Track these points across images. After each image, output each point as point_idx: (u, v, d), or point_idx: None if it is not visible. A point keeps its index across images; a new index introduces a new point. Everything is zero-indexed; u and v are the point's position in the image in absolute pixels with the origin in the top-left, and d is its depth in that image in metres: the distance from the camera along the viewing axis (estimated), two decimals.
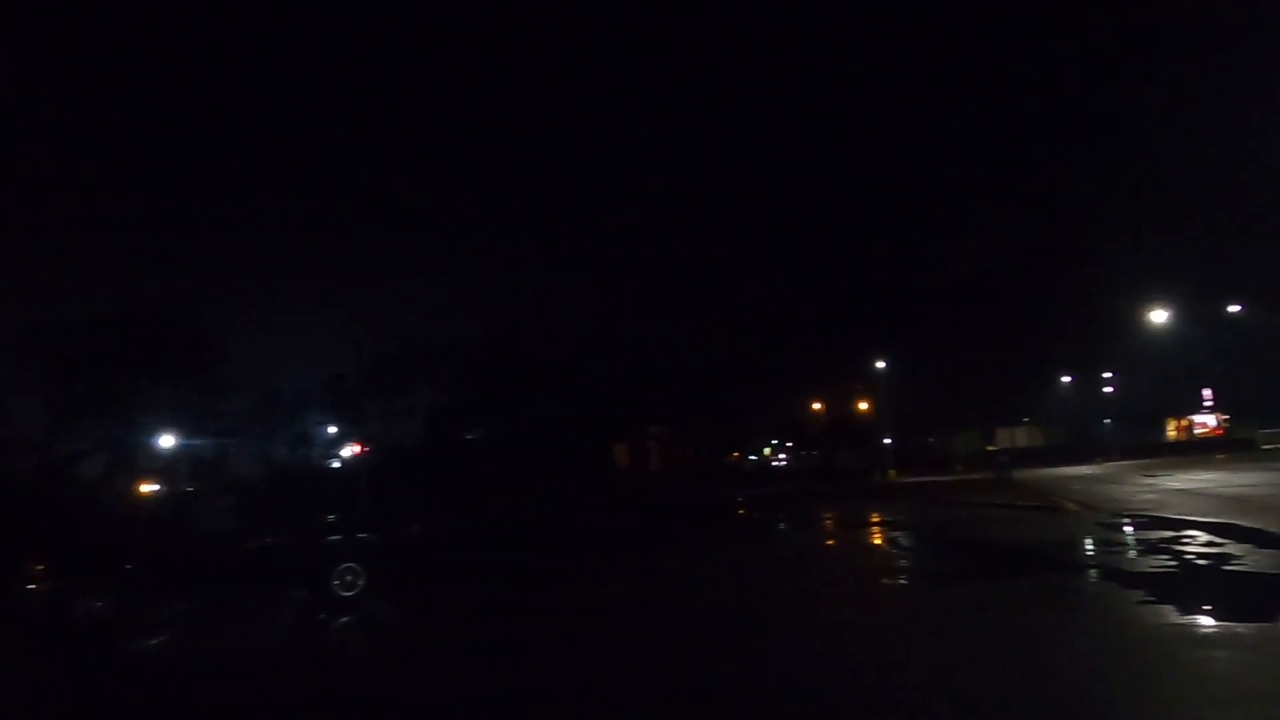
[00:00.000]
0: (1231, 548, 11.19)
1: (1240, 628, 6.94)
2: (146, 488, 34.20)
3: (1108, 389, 61.20)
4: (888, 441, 55.97)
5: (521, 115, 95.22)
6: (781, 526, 21.86)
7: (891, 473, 50.35)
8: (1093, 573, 10.48)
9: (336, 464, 39.45)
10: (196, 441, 36.15)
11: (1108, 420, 61.15)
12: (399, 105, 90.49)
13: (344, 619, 11.04)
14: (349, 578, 11.94)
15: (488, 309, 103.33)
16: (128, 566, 11.18)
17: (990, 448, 58.78)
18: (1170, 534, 13.17)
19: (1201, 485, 22.50)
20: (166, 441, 35.84)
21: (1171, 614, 7.55)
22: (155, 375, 38.04)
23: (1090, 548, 12.96)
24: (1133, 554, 11.92)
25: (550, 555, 17.87)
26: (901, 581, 11.49)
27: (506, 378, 45.42)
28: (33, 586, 10.60)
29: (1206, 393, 59.09)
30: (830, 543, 17.61)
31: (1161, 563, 10.58)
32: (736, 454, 76.43)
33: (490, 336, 47.23)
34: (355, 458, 38.94)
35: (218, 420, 39.27)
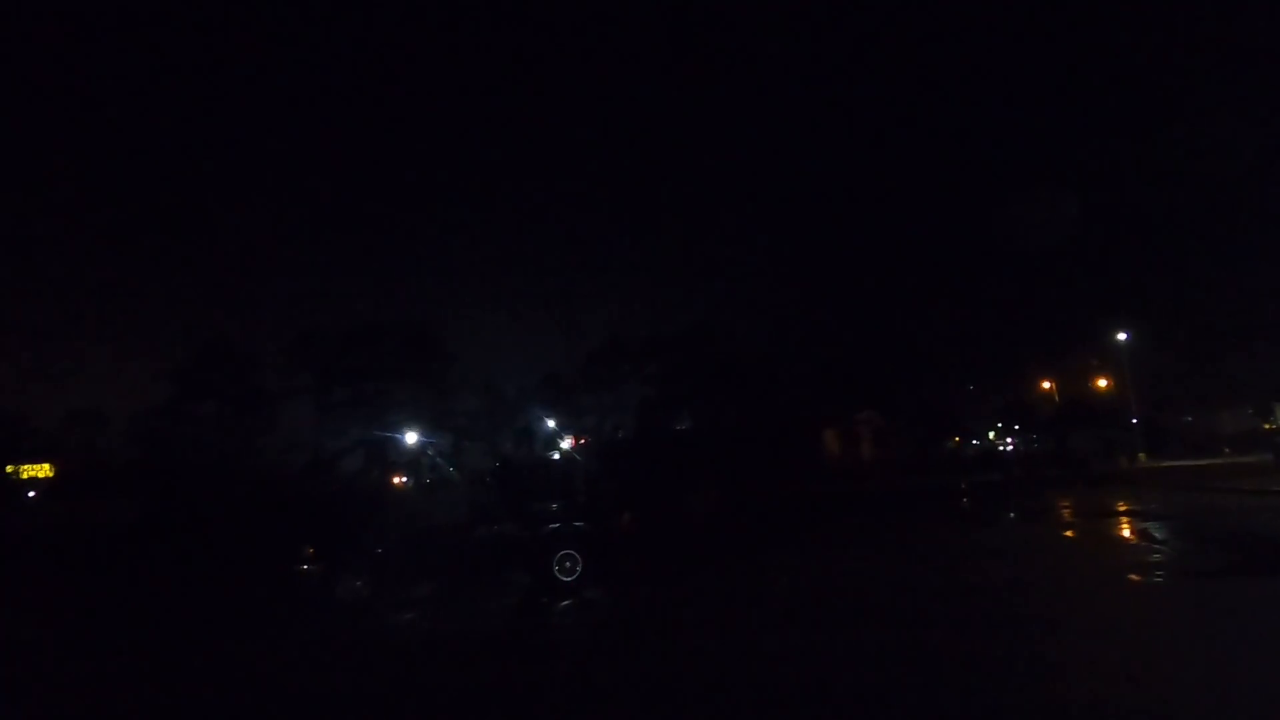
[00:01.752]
0: None
1: None
2: (396, 480, 38.18)
3: None
4: (1135, 421, 50.22)
5: (710, 128, 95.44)
6: (1011, 517, 20.26)
7: (1141, 456, 45.15)
8: None
9: (555, 456, 41.76)
10: (434, 438, 39.82)
11: None
12: (604, 124, 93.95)
13: (564, 602, 11.63)
14: (568, 564, 12.56)
15: (692, 305, 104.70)
16: (380, 551, 12.47)
17: (1267, 426, 51.08)
18: None
19: None
20: (410, 438, 39.74)
21: None
22: (399, 379, 42.39)
23: None
24: None
25: (757, 545, 17.78)
26: (1155, 578, 10.23)
27: (713, 369, 45.85)
28: (305, 567, 12.14)
29: None
30: (1068, 534, 16.06)
31: None
32: (957, 439, 72.00)
33: (696, 329, 47.95)
34: (572, 450, 41.07)
35: (451, 418, 43.11)
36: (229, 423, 36.63)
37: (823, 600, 10.06)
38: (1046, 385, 64.75)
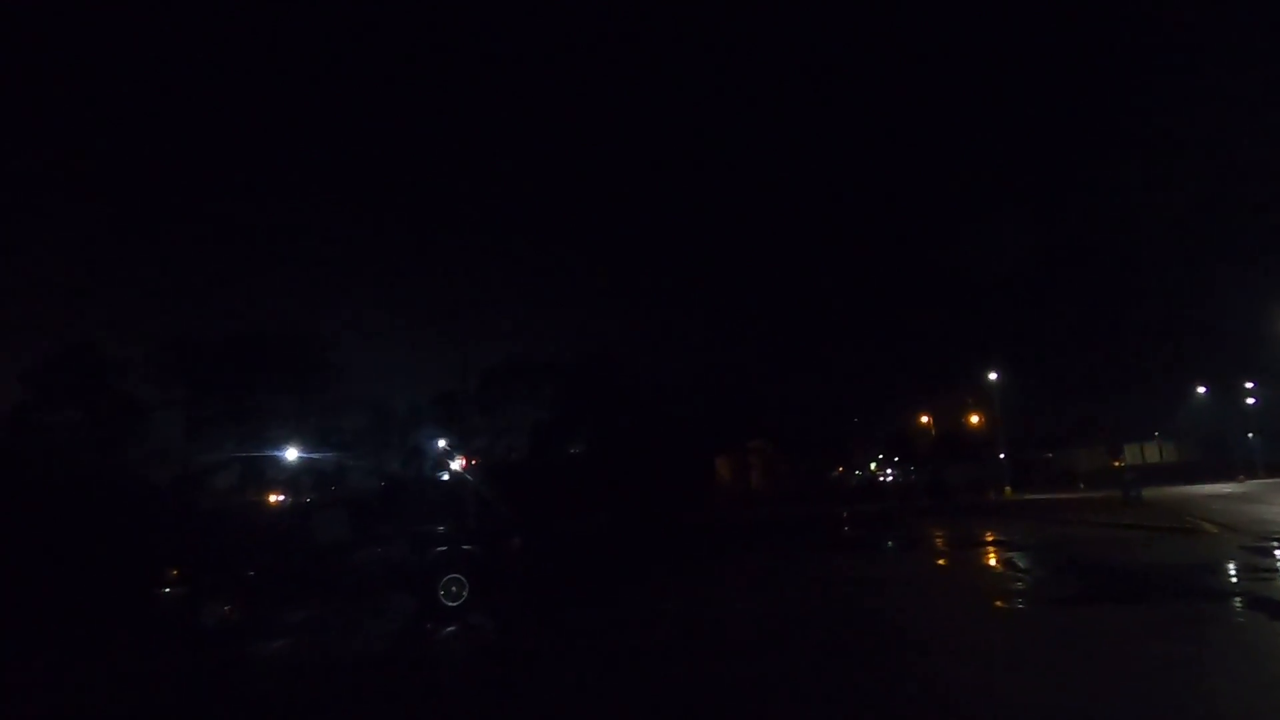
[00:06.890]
0: None
1: None
2: (272, 498, 36.30)
3: (1250, 400, 56.53)
4: (1002, 457, 53.43)
5: (618, 157, 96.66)
6: (889, 545, 21.10)
7: (1007, 489, 48.01)
8: (1236, 600, 9.63)
9: (445, 477, 40.74)
10: (316, 455, 38.13)
11: (1251, 435, 56.45)
12: (505, 143, 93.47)
13: (449, 629, 11.31)
14: (454, 588, 12.24)
15: (590, 330, 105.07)
16: (252, 573, 11.79)
17: (1116, 464, 55.36)
18: None
19: None
20: (290, 455, 37.93)
21: None
22: (280, 393, 40.50)
23: (1233, 573, 11.94)
24: None
25: (647, 572, 17.84)
26: (1018, 605, 10.85)
27: (608, 394, 45.98)
28: (167, 590, 11.33)
29: None
30: (940, 562, 16.85)
31: None
32: (841, 469, 74.64)
33: (592, 354, 48.05)
34: (462, 471, 40.18)
35: (336, 435, 41.47)
36: (90, 432, 33.99)
37: (709, 628, 10.16)
38: (925, 420, 68.10)
